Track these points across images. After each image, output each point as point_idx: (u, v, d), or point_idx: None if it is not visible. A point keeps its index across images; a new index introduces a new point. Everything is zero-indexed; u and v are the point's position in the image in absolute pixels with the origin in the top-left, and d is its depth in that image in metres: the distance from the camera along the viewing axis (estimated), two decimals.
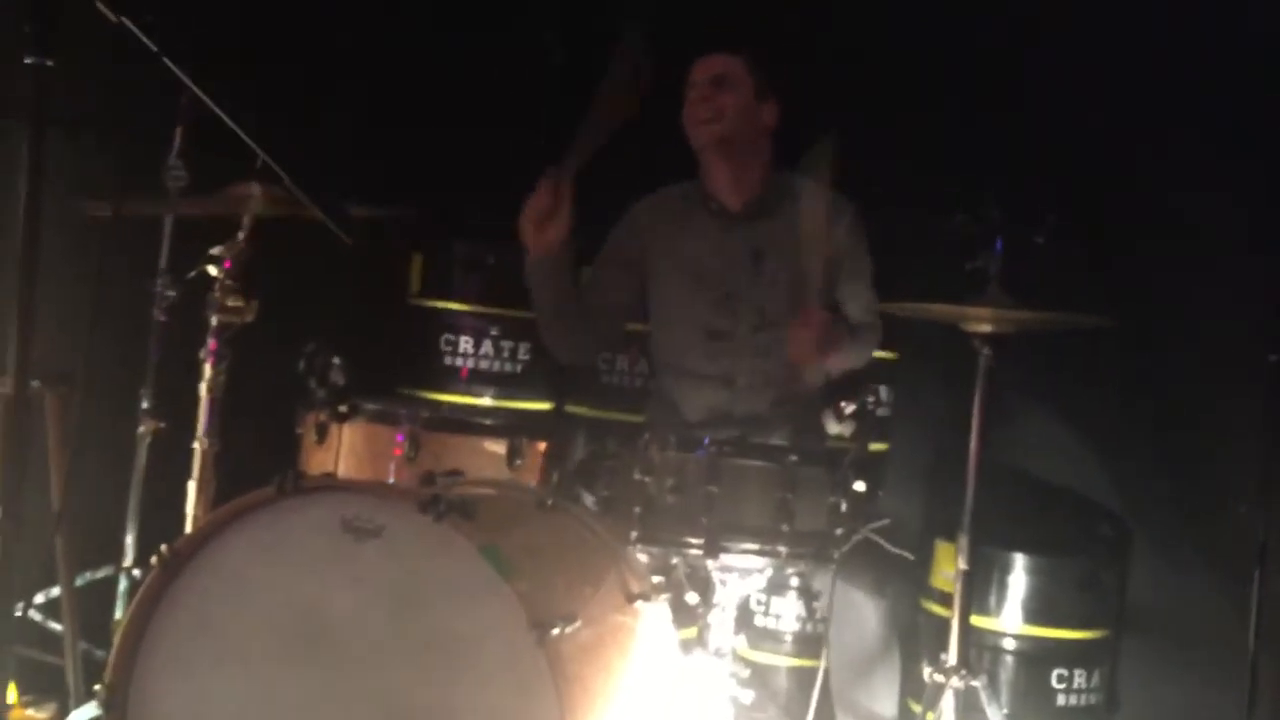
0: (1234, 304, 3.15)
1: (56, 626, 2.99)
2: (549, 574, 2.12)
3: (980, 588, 3.23)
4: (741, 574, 2.41)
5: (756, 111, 2.95)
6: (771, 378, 2.93)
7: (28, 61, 1.56)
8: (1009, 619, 3.28)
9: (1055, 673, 3.27)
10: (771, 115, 2.97)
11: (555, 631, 1.89)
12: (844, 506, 2.34)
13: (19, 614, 2.89)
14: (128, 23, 1.68)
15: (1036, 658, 3.28)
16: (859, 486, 2.34)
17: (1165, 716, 3.42)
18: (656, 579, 2.33)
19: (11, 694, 2.87)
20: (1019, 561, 3.28)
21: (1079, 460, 3.61)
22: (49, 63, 1.56)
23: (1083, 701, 3.28)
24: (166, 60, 1.81)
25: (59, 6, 1.54)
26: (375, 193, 2.68)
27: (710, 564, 2.37)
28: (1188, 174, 3.31)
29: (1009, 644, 3.28)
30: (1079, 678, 3.28)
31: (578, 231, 2.78)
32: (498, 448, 2.56)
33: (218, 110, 1.99)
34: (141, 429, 3.11)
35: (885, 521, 2.41)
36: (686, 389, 2.99)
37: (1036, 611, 3.27)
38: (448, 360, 3.61)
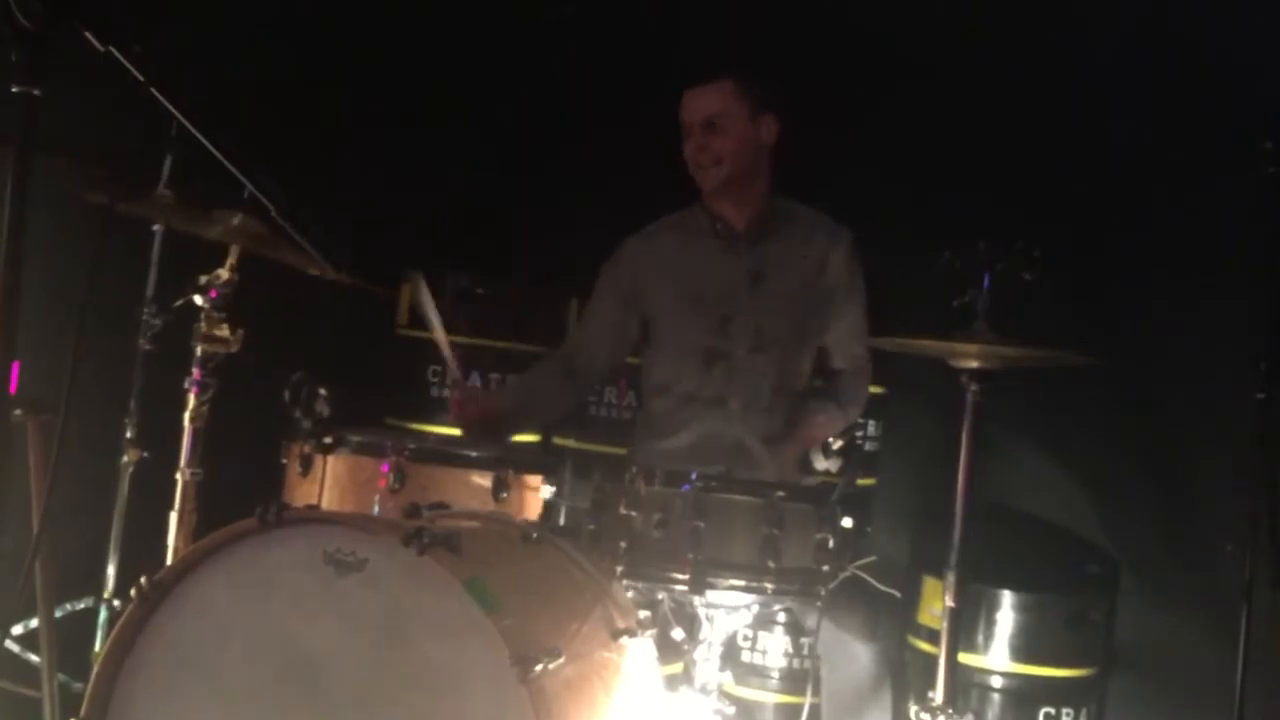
0: (1221, 341, 3.16)
1: (34, 658, 2.95)
2: (533, 609, 2.09)
3: (968, 625, 3.22)
4: (728, 610, 2.40)
5: (754, 135, 2.93)
6: (764, 400, 2.93)
7: (15, 90, 1.56)
8: (996, 656, 3.27)
9: (1043, 711, 3.26)
10: (770, 131, 2.95)
11: (539, 667, 1.87)
12: (831, 543, 2.32)
13: None
14: (115, 53, 1.67)
15: (1024, 695, 3.27)
16: (846, 523, 2.33)
17: None
18: (642, 614, 2.31)
19: None
20: (1007, 599, 3.27)
21: (1067, 497, 3.61)
22: (36, 91, 1.55)
23: None
24: (154, 91, 1.80)
25: (46, 36, 1.54)
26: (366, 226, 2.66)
27: (696, 600, 2.35)
28: (1175, 212, 3.33)
29: (996, 682, 3.27)
30: (1066, 716, 3.27)
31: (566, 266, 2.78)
32: (484, 480, 2.55)
33: (204, 140, 1.99)
34: (124, 458, 3.09)
35: (872, 558, 2.40)
36: (679, 412, 2.98)
37: (1024, 649, 3.27)
38: (435, 392, 3.60)
